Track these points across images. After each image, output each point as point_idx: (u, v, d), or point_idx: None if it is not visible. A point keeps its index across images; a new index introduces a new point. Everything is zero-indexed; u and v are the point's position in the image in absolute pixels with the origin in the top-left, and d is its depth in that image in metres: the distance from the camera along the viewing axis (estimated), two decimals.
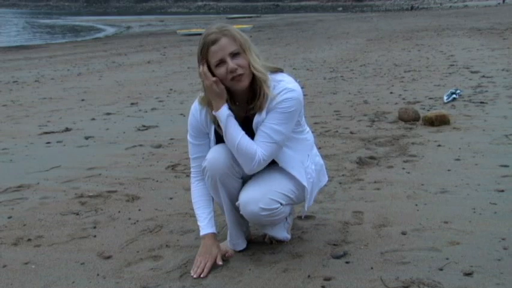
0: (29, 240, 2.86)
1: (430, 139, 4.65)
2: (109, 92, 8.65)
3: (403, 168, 3.86)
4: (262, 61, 2.36)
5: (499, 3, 50.65)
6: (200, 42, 2.32)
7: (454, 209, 3.02)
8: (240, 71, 2.27)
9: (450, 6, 60.63)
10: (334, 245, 2.63)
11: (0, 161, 4.58)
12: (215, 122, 2.41)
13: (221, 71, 2.28)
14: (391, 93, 7.26)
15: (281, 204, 2.42)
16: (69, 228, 3.00)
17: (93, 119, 6.36)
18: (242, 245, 2.61)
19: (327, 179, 2.74)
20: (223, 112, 2.32)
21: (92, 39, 26.93)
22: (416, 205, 3.12)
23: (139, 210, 3.26)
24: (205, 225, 2.51)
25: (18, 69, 12.85)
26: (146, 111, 6.74)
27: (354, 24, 29.39)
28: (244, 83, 2.30)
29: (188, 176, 3.28)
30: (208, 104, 2.40)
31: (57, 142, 5.21)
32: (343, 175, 3.77)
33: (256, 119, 2.37)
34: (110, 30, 34.87)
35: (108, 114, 6.63)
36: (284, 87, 2.34)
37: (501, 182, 3.44)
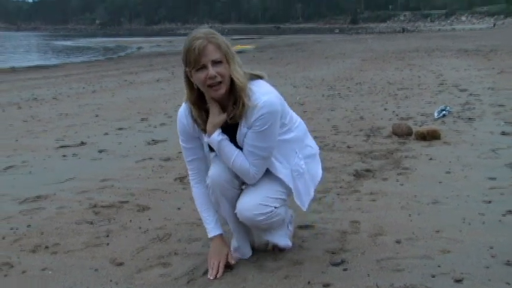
0: (47, 247, 2.86)
1: (422, 153, 4.65)
2: (121, 108, 8.67)
3: (397, 181, 3.86)
4: (243, 69, 2.30)
5: (490, 27, 51.22)
6: (186, 44, 2.23)
7: (445, 219, 3.01)
8: (218, 79, 2.22)
9: (439, 29, 60.97)
10: (333, 253, 2.62)
11: (20, 173, 4.60)
12: (200, 126, 2.38)
13: (200, 76, 2.22)
14: (385, 109, 7.26)
15: (274, 207, 2.40)
16: (84, 237, 3.00)
17: (106, 133, 6.38)
18: (248, 253, 2.59)
19: (320, 172, 2.57)
20: (214, 139, 2.31)
21: (104, 59, 27.07)
22: (410, 215, 3.11)
23: (149, 219, 3.26)
24: (213, 228, 2.49)
25: (37, 87, 12.90)
26: (156, 127, 6.75)
27: (350, 45, 29.51)
28: (221, 91, 2.24)
29: None
30: (193, 104, 2.34)
31: (73, 155, 5.22)
32: (340, 187, 3.77)
33: (239, 133, 2.34)
34: (123, 51, 35.10)
35: (120, 129, 6.64)
36: (256, 102, 2.25)
37: (488, 194, 3.43)
